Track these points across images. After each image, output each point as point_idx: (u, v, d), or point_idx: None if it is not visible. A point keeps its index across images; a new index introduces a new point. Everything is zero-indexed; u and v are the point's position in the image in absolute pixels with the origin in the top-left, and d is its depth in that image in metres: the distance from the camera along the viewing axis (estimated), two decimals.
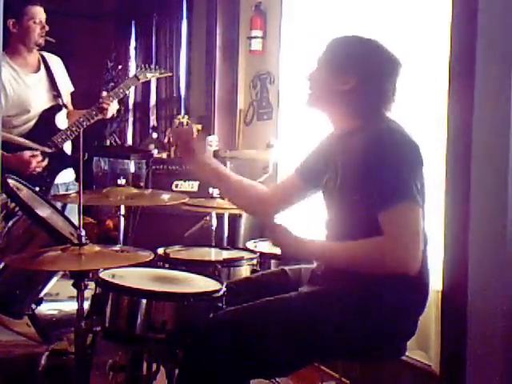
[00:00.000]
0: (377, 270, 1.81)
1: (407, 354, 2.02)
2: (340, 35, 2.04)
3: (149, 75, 3.53)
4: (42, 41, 3.34)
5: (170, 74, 3.97)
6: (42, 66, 3.42)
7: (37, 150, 3.19)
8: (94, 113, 3.33)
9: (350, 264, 1.85)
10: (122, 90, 3.41)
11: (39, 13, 3.33)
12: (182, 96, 5.57)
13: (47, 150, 3.21)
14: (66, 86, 3.51)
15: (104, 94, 3.41)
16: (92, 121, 3.33)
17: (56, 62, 3.50)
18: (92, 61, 6.15)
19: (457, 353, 2.40)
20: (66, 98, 3.51)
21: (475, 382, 2.32)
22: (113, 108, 3.39)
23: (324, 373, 2.63)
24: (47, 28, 3.34)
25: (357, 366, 2.11)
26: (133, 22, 6.54)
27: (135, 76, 3.50)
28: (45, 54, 3.46)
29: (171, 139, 2.55)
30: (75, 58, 3.68)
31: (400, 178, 1.81)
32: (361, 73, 1.94)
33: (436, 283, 2.56)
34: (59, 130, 3.33)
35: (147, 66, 3.57)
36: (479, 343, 2.30)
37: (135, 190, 2.74)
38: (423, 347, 2.71)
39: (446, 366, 2.54)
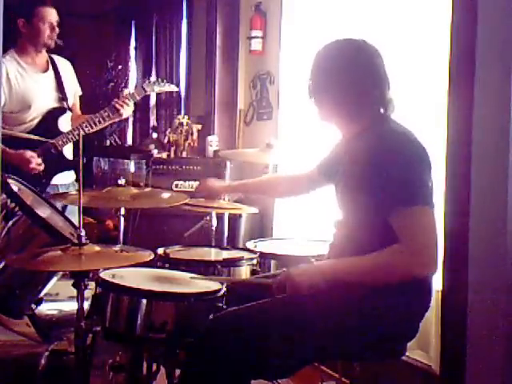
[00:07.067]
0: (395, 278, 1.78)
1: (407, 353, 2.03)
2: (322, 45, 2.03)
3: (156, 88, 3.54)
4: (51, 42, 3.31)
5: (176, 89, 3.96)
6: (51, 68, 3.40)
7: (38, 143, 3.20)
8: (106, 114, 3.33)
9: (367, 280, 1.81)
10: (129, 99, 3.41)
11: (50, 14, 3.29)
12: (182, 96, 5.57)
13: (43, 139, 3.21)
14: (73, 90, 3.51)
15: (125, 92, 3.45)
16: (99, 125, 3.35)
17: (65, 65, 3.49)
18: (92, 61, 6.14)
19: (457, 353, 2.39)
20: (74, 102, 3.51)
21: (475, 382, 2.32)
22: (129, 109, 3.39)
23: (324, 373, 2.63)
24: (57, 30, 3.31)
25: (357, 366, 2.11)
26: (133, 22, 6.54)
27: (142, 88, 3.48)
28: (54, 56, 3.45)
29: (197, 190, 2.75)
30: (75, 57, 3.67)
31: (412, 180, 1.80)
32: (355, 76, 1.92)
33: (436, 283, 2.56)
34: (61, 132, 3.34)
35: (156, 80, 3.59)
36: (479, 343, 2.30)
37: (135, 190, 2.74)
38: (423, 347, 2.71)
39: (445, 366, 2.54)
